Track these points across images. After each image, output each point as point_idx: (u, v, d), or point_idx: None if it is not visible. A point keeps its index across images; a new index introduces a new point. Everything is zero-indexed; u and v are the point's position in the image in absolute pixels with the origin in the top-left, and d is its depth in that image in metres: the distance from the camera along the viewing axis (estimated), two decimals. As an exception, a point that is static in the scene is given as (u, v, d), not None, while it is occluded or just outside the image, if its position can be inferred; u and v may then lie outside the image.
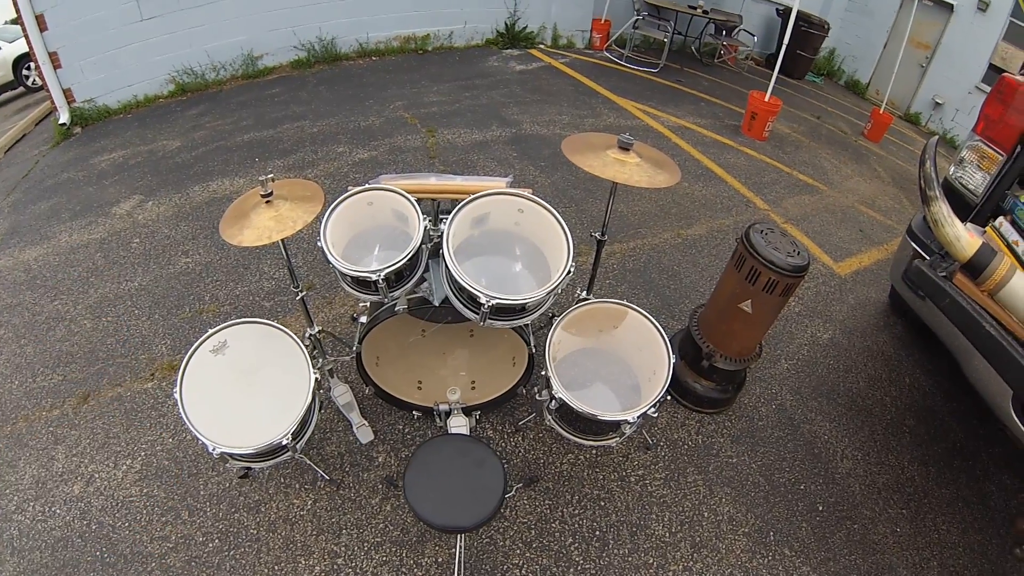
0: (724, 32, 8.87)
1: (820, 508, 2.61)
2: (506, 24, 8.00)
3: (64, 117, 5.56)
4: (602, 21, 8.44)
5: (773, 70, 6.03)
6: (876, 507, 2.65)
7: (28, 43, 5.21)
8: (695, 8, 8.18)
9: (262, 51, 6.60)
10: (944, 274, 2.16)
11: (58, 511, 2.34)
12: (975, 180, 2.79)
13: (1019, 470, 2.93)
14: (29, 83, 9.36)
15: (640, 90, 7.14)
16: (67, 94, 5.56)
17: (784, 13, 8.94)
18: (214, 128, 5.43)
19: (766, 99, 6.07)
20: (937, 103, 8.90)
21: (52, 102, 5.59)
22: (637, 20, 8.01)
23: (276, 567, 2.17)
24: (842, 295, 3.98)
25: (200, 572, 2.15)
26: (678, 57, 8.72)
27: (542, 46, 8.29)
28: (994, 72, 7.79)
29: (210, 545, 2.23)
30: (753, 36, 9.51)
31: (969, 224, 2.56)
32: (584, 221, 4.21)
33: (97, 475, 2.47)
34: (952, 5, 8.41)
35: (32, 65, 7.46)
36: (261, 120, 5.55)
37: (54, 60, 5.34)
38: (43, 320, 3.27)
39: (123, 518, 2.32)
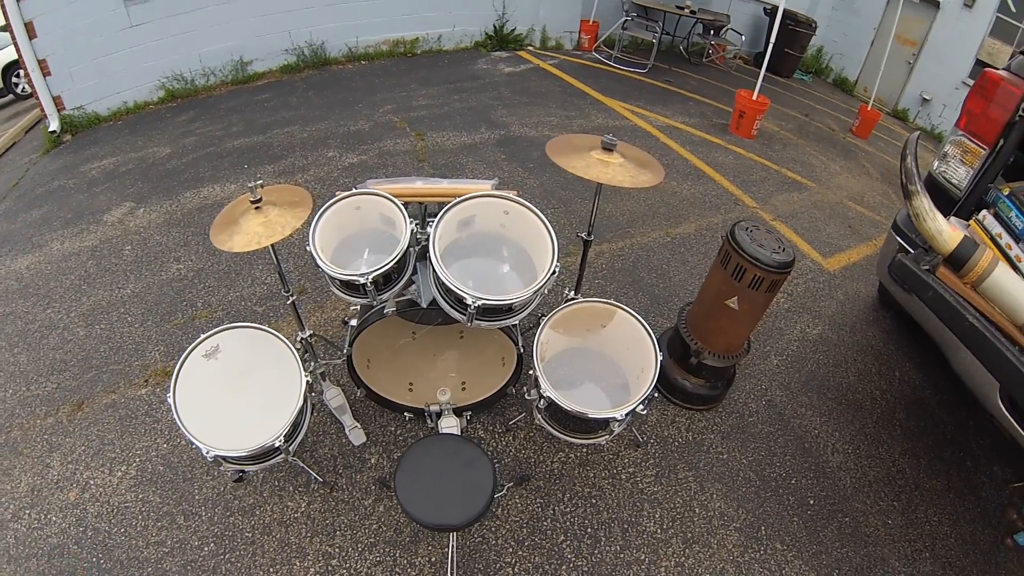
0: (712, 32, 8.94)
1: (811, 502, 2.63)
2: (495, 27, 8.04)
3: (54, 124, 5.55)
4: (590, 22, 8.48)
5: (761, 69, 6.08)
6: (867, 500, 2.68)
7: (17, 50, 5.19)
8: (683, 8, 8.24)
9: (252, 57, 6.61)
10: (927, 267, 2.18)
11: (54, 518, 2.34)
12: (958, 174, 2.83)
13: (1009, 460, 2.96)
14: (18, 91, 9.30)
15: (629, 90, 7.18)
16: (57, 101, 5.54)
17: (771, 12, 9.00)
18: (204, 134, 5.43)
19: (754, 97, 6.11)
20: (925, 99, 8.98)
21: (42, 110, 5.56)
22: (625, 21, 8.06)
23: (271, 569, 2.18)
24: (831, 291, 4.02)
25: (195, 576, 2.16)
26: (666, 57, 8.76)
27: (531, 48, 8.32)
28: (981, 68, 7.82)
29: (206, 549, 2.24)
30: (741, 35, 9.58)
31: (953, 218, 2.60)
32: (573, 221, 4.24)
33: (92, 482, 2.48)
34: (938, 2, 8.49)
35: (21, 72, 7.42)
36: (251, 126, 5.56)
37: (43, 67, 5.33)
38: (36, 328, 3.27)
39: (119, 524, 2.32)
